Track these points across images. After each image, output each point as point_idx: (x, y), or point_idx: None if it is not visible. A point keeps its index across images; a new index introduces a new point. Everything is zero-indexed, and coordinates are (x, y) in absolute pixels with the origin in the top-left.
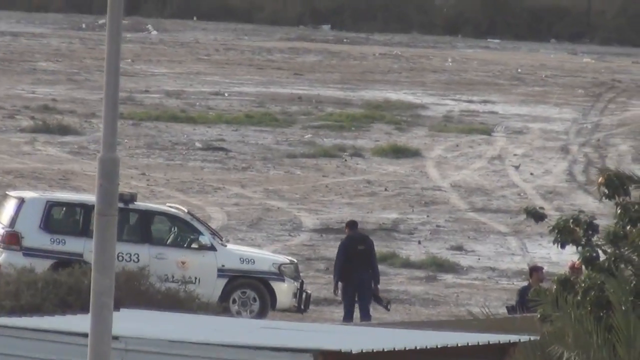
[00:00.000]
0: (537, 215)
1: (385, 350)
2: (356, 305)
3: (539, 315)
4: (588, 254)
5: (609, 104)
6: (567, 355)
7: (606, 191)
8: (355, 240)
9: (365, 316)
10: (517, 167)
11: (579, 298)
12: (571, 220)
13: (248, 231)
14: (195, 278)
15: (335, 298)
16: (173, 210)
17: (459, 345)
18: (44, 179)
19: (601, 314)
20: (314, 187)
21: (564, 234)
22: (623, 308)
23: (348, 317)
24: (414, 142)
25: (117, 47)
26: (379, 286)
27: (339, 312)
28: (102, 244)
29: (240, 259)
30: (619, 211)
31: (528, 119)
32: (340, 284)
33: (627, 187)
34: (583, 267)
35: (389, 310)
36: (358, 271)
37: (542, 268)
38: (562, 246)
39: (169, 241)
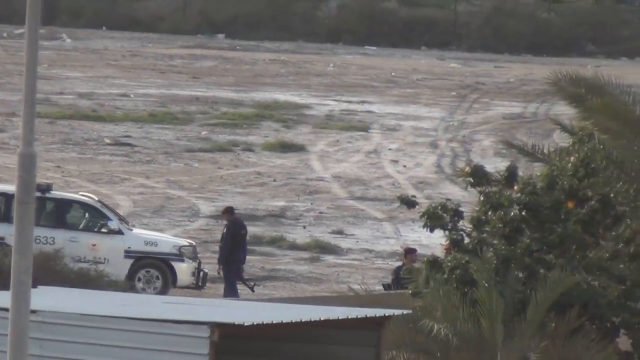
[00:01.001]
0: (409, 203)
1: (274, 322)
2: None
3: (410, 292)
4: (454, 237)
5: (474, 104)
6: (437, 327)
7: (471, 180)
8: (239, 225)
9: (232, 290)
10: (396, 162)
11: (445, 276)
12: (439, 207)
13: (152, 217)
14: (105, 259)
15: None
16: (85, 198)
17: (339, 318)
18: None
19: (466, 290)
20: (210, 178)
21: (432, 219)
22: (486, 285)
23: (234, 293)
24: (299, 138)
25: (34, 53)
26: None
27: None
28: (21, 229)
29: (144, 241)
30: (481, 199)
31: (401, 117)
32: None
33: (489, 178)
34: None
35: (253, 291)
36: (238, 253)
37: (415, 250)
38: (432, 230)
39: (81, 226)
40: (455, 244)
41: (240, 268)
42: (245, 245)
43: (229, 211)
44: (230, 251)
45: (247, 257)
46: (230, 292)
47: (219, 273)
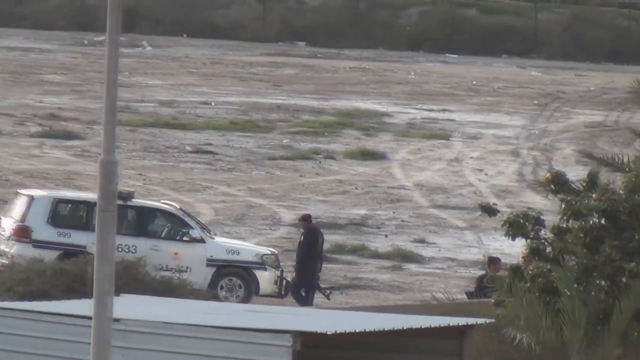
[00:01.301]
0: (490, 211)
1: (357, 331)
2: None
3: (493, 301)
4: (535, 246)
5: (555, 112)
6: (519, 336)
7: (552, 187)
8: (315, 232)
9: (310, 301)
10: (479, 170)
11: (528, 285)
12: (521, 216)
13: (233, 225)
14: (187, 267)
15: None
16: (167, 206)
17: (422, 327)
18: (51, 178)
19: (548, 298)
20: (292, 186)
21: (514, 227)
22: (569, 294)
23: (307, 301)
24: (381, 146)
25: (115, 61)
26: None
27: (315, 297)
28: (103, 237)
29: (226, 250)
30: (562, 206)
31: (482, 125)
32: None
33: (570, 185)
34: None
35: (329, 299)
36: (314, 261)
37: (499, 259)
38: (513, 239)
39: (163, 234)
40: (536, 253)
41: (316, 276)
42: (322, 253)
43: (305, 219)
44: (306, 259)
45: (329, 266)
46: (303, 300)
47: (293, 280)
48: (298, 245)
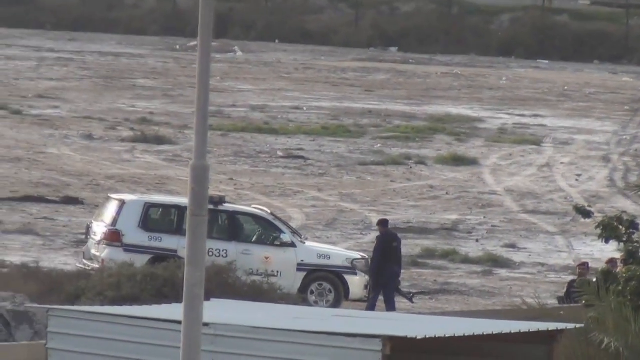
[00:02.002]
0: (584, 212)
1: (447, 336)
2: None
3: (583, 304)
4: (630, 249)
5: None
6: (607, 341)
7: None
8: (390, 237)
9: (391, 306)
10: (573, 176)
11: (620, 288)
12: (615, 219)
13: (324, 230)
14: (277, 272)
15: (401, 289)
16: (258, 211)
17: (512, 332)
18: (142, 183)
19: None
20: (383, 191)
21: (608, 230)
22: None
23: (372, 306)
24: (472, 152)
25: (207, 66)
26: (400, 279)
27: (404, 302)
28: (194, 241)
29: (317, 254)
30: None
31: (573, 131)
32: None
33: None
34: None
35: (413, 302)
36: (391, 265)
37: (587, 263)
38: (607, 241)
39: (254, 239)
40: (630, 256)
41: (397, 281)
42: (400, 257)
43: (381, 223)
44: (380, 263)
45: (419, 271)
46: (373, 305)
47: (368, 284)
48: (374, 250)
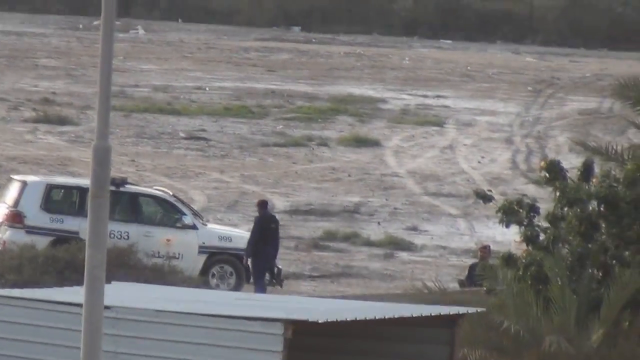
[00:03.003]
0: (485, 197)
1: (348, 320)
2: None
3: (485, 289)
4: (529, 233)
5: (549, 99)
6: (507, 323)
7: (547, 176)
8: (268, 219)
9: (260, 288)
10: (480, 159)
11: (520, 273)
12: (515, 203)
13: (226, 212)
14: (179, 254)
15: (302, 272)
16: (159, 193)
17: (413, 315)
18: (44, 164)
19: (540, 287)
20: (285, 173)
21: (508, 214)
22: (559, 282)
23: (260, 287)
24: (374, 133)
25: (110, 46)
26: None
27: (306, 285)
28: (95, 223)
29: (219, 237)
30: (557, 194)
31: (476, 112)
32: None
33: (565, 173)
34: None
35: (281, 287)
36: (267, 247)
37: (488, 246)
38: (507, 226)
39: (155, 221)
40: (530, 241)
41: (270, 262)
42: (277, 240)
43: (260, 205)
44: (257, 245)
45: (320, 254)
46: (258, 287)
47: (245, 265)
48: (251, 232)
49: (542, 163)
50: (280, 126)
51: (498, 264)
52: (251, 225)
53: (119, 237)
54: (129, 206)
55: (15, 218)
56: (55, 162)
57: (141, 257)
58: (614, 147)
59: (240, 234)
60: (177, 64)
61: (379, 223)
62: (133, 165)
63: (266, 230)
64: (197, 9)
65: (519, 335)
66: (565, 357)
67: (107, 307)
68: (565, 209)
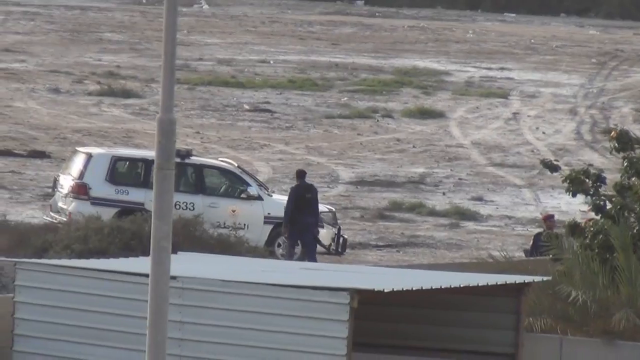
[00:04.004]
0: (551, 166)
1: (414, 289)
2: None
3: (550, 258)
4: (597, 202)
5: (613, 71)
6: (575, 294)
7: (616, 145)
8: (304, 188)
9: (311, 257)
10: (536, 129)
11: (587, 242)
12: (582, 173)
13: (291, 183)
14: (245, 225)
15: (368, 242)
16: (224, 164)
17: (480, 284)
18: (109, 137)
19: (607, 256)
20: (349, 144)
21: (575, 184)
22: (625, 252)
23: (290, 256)
24: (439, 105)
25: (174, 19)
26: (318, 229)
27: (372, 255)
28: (161, 195)
29: (284, 208)
30: (625, 164)
31: (540, 84)
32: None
33: (634, 144)
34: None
35: (329, 251)
36: (304, 216)
37: (553, 215)
38: (574, 195)
39: (220, 192)
40: (597, 210)
41: (313, 231)
42: (316, 209)
43: (298, 174)
44: (293, 214)
45: (386, 224)
46: (288, 256)
47: (284, 235)
48: (287, 201)
49: (613, 133)
50: (345, 98)
51: (564, 233)
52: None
53: (185, 208)
54: (195, 177)
55: (81, 190)
56: (119, 134)
57: (207, 228)
58: None
59: None
60: (241, 37)
61: (444, 193)
62: (198, 137)
63: (301, 199)
64: None
65: (586, 305)
66: (634, 330)
67: (173, 278)
68: (633, 178)
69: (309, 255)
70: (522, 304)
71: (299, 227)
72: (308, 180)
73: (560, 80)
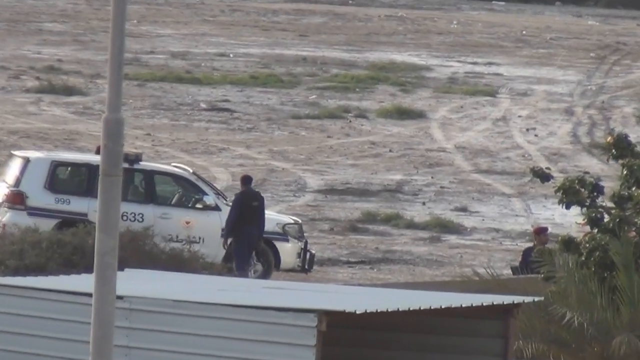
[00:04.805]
0: (543, 176)
1: (389, 310)
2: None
3: (542, 276)
4: (593, 215)
5: (614, 66)
6: (570, 315)
7: (614, 152)
8: (250, 196)
9: (242, 268)
10: (527, 131)
11: (583, 259)
12: (576, 181)
13: None
14: (200, 238)
15: (339, 258)
16: (178, 170)
17: (463, 306)
18: (49, 139)
19: (605, 274)
20: (318, 148)
21: (569, 194)
22: (626, 269)
23: (243, 271)
24: (419, 104)
25: (122, 8)
26: (261, 242)
27: (343, 272)
28: (106, 204)
29: None
30: (624, 172)
31: (532, 80)
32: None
33: (634, 149)
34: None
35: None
36: (247, 227)
37: (546, 229)
38: (567, 207)
39: (173, 201)
40: (593, 223)
41: (256, 244)
42: (261, 219)
43: (243, 180)
44: (237, 224)
45: (358, 237)
46: (240, 272)
47: (224, 247)
48: (230, 209)
49: (609, 138)
50: (314, 96)
51: (557, 249)
52: (281, 207)
53: (133, 219)
54: (144, 185)
55: (16, 199)
56: (61, 136)
57: (158, 241)
58: None
59: (269, 216)
60: (198, 28)
61: (423, 203)
62: (149, 139)
63: (247, 208)
64: None
65: (583, 328)
66: (637, 357)
67: (119, 297)
68: (633, 188)
69: (240, 268)
70: (510, 327)
71: (245, 239)
72: (275, 189)
73: (555, 77)
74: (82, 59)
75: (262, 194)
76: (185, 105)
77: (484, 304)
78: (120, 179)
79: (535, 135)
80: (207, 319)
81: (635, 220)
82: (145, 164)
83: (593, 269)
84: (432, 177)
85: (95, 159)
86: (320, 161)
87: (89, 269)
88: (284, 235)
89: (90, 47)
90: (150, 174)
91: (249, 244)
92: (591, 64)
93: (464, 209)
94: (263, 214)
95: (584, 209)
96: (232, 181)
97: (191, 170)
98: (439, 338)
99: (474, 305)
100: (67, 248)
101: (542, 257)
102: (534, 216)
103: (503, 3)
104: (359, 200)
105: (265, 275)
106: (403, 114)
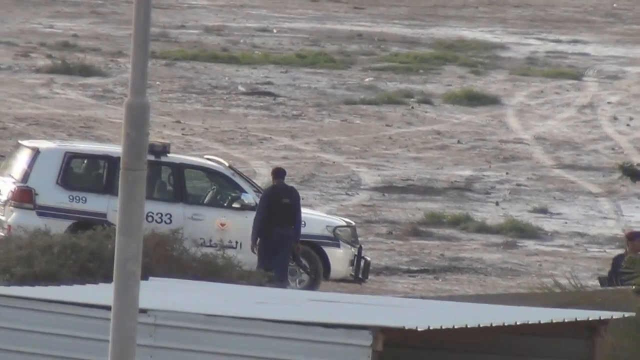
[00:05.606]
0: (634, 173)
1: (456, 327)
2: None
3: (634, 288)
4: None
5: None
6: None
7: None
8: (280, 192)
9: (282, 276)
10: (617, 119)
11: None
12: None
13: (299, 189)
14: (236, 242)
15: (398, 266)
16: (212, 163)
17: (542, 322)
18: (62, 126)
19: None
20: (375, 138)
21: None
22: None
23: (283, 279)
24: (492, 88)
25: None
26: (299, 245)
27: (402, 282)
28: (128, 203)
29: None
30: None
31: (624, 61)
32: (258, 240)
33: None
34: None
35: (309, 274)
36: (280, 227)
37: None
38: None
39: (206, 200)
40: None
41: (291, 246)
42: (295, 218)
43: (275, 174)
44: (265, 224)
45: (421, 242)
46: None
47: (253, 251)
48: (257, 207)
49: None
50: (370, 78)
51: None
52: (331, 206)
53: (159, 220)
54: (173, 181)
55: (24, 196)
56: (76, 123)
57: (187, 246)
58: None
59: (317, 217)
60: None
61: (497, 203)
62: (178, 128)
63: (276, 206)
64: None
65: None
66: None
67: (142, 311)
68: None
69: (279, 277)
70: (596, 347)
71: (275, 242)
72: (324, 185)
73: None
74: (101, 34)
75: (310, 191)
76: (221, 89)
77: (566, 320)
78: (144, 173)
79: (628, 125)
80: (244, 337)
81: None
82: (173, 156)
83: None
84: (506, 173)
85: (115, 150)
86: (377, 154)
87: (107, 278)
88: (334, 240)
89: (111, 20)
90: (179, 168)
91: (282, 247)
92: None
93: (543, 210)
94: (298, 213)
95: None
96: None
97: (227, 164)
98: (514, 359)
99: (554, 321)
100: (83, 253)
101: (634, 267)
102: (625, 219)
103: None
104: (422, 200)
105: (312, 285)
106: (474, 99)
